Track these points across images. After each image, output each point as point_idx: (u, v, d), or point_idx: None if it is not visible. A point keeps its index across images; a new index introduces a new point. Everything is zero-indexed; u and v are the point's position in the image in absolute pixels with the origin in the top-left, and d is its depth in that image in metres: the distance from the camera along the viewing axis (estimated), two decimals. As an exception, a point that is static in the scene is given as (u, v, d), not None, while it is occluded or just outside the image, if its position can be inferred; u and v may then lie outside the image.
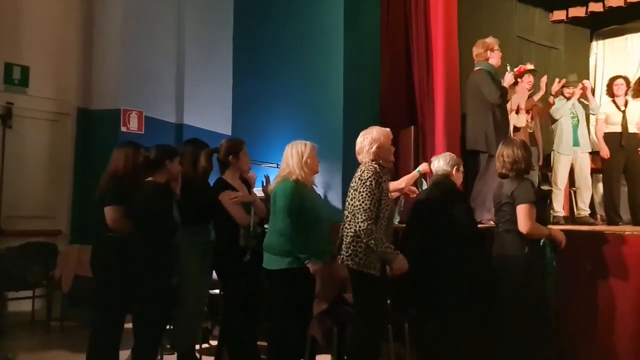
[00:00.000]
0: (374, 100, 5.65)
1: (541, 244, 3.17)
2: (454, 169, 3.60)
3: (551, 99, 5.71)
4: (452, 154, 3.75)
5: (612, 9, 7.01)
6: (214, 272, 3.57)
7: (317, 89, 5.68)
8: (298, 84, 5.82)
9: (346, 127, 5.32)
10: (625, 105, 5.61)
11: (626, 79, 5.74)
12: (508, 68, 4.73)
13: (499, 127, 4.55)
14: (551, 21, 7.59)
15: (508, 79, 4.70)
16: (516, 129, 5.46)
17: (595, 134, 5.76)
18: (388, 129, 3.16)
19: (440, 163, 3.67)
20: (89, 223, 4.19)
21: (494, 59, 4.76)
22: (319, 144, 4.97)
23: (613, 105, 5.64)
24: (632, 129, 5.54)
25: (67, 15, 5.61)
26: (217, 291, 3.77)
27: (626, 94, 5.70)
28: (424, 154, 5.17)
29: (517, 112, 5.29)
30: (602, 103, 5.90)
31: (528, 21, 7.37)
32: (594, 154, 5.92)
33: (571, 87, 5.75)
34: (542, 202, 3.50)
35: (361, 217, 2.88)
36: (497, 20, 6.71)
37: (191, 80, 6.10)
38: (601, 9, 7.09)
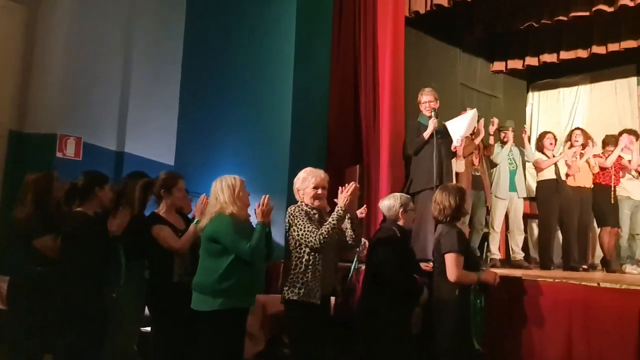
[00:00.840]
0: (321, 135, 5.65)
1: (472, 288, 3.23)
2: (402, 210, 3.58)
3: (491, 139, 5.95)
4: (401, 194, 3.76)
5: (547, 64, 7.46)
6: (146, 309, 3.43)
7: (264, 121, 5.64)
8: (246, 116, 5.76)
9: (292, 162, 5.27)
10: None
11: (554, 135, 6.11)
12: (433, 114, 4.85)
13: (441, 169, 4.70)
14: (492, 71, 7.97)
15: (430, 127, 4.80)
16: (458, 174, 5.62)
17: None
18: (319, 172, 3.18)
19: (385, 204, 3.68)
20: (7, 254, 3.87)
21: (423, 108, 4.93)
22: (263, 178, 4.90)
23: (546, 157, 5.95)
24: (570, 177, 5.89)
25: (8, 37, 5.34)
26: (149, 329, 3.59)
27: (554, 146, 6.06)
28: (369, 194, 5.19)
29: (457, 157, 5.46)
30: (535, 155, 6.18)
31: (471, 70, 7.72)
32: (529, 199, 6.17)
33: (504, 131, 5.98)
34: (470, 247, 3.50)
35: (308, 239, 2.96)
36: (442, 68, 6.99)
37: (135, 107, 5.90)
38: (537, 63, 7.52)
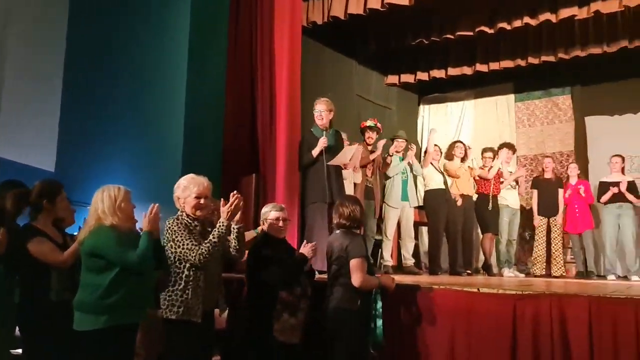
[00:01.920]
0: (216, 144, 5.54)
1: (373, 294, 3.31)
2: (264, 221, 3.56)
3: (389, 159, 6.10)
4: (274, 204, 3.74)
5: (436, 79, 7.92)
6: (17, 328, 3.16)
7: (156, 128, 5.42)
8: (136, 122, 5.48)
9: (186, 171, 4.86)
10: (439, 169, 6.33)
11: (437, 147, 6.48)
12: (323, 134, 4.85)
13: (332, 182, 4.80)
14: (386, 84, 8.29)
15: (319, 146, 4.82)
16: (356, 184, 5.77)
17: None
18: (201, 180, 3.08)
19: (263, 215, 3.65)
20: None
21: (316, 118, 4.95)
22: (155, 188, 4.69)
23: (434, 169, 6.30)
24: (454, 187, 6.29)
25: None
26: (19, 351, 3.31)
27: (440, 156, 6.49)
28: (265, 203, 5.12)
29: (354, 169, 5.57)
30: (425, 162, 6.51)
31: (366, 82, 7.96)
32: (419, 208, 6.48)
33: (398, 140, 6.23)
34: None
35: (188, 257, 2.86)
36: (339, 78, 7.13)
37: (10, 110, 5.40)
38: (427, 78, 7.95)
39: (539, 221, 6.61)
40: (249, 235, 3.94)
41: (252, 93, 5.57)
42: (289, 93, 5.25)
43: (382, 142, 5.99)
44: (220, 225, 2.99)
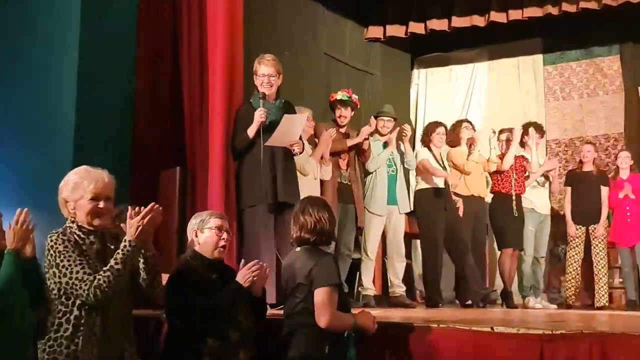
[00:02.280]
0: (124, 125, 5.47)
1: (345, 336, 3.33)
2: (197, 233, 3.52)
3: (366, 145, 6.09)
4: (211, 212, 3.71)
5: (436, 32, 7.95)
6: None
7: (35, 104, 5.26)
8: (8, 97, 5.37)
9: (78, 164, 4.90)
10: (442, 161, 6.31)
11: (446, 127, 6.44)
12: (261, 103, 4.76)
13: (276, 172, 4.79)
14: (366, 39, 8.31)
15: (256, 122, 4.70)
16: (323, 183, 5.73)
17: (424, 171, 6.24)
18: (100, 175, 2.99)
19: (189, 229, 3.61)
20: None
21: (257, 83, 4.85)
22: (35, 187, 4.60)
23: (432, 158, 6.25)
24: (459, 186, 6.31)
25: None
26: None
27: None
28: (194, 207, 5.11)
29: (321, 161, 5.58)
30: (417, 152, 6.53)
31: (338, 36, 7.99)
32: (412, 215, 6.49)
33: (383, 119, 6.22)
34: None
35: (78, 290, 2.82)
36: (299, 32, 7.14)
37: None
38: (423, 31, 7.98)
39: (574, 231, 6.71)
40: None
41: (174, 54, 5.51)
42: (227, 52, 5.19)
43: (368, 128, 6.02)
44: (125, 246, 2.91)
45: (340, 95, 6.09)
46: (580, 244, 6.72)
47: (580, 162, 6.90)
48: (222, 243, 3.51)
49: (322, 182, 5.74)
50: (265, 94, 4.77)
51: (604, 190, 6.72)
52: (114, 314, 2.99)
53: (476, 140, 6.44)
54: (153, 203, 2.97)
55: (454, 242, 6.20)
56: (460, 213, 6.29)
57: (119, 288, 2.90)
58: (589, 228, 6.70)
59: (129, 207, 2.98)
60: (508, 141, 6.59)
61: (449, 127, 6.51)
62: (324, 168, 5.65)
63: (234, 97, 5.20)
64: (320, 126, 5.80)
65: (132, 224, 2.91)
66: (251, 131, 4.72)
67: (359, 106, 6.25)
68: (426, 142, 6.39)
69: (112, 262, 2.87)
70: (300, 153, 5.00)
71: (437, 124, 6.44)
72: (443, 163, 6.33)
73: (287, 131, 4.74)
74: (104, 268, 2.87)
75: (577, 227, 6.71)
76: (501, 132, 6.75)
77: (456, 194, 6.36)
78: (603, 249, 6.66)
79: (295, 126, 4.81)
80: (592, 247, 6.68)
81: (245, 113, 4.83)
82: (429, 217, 6.15)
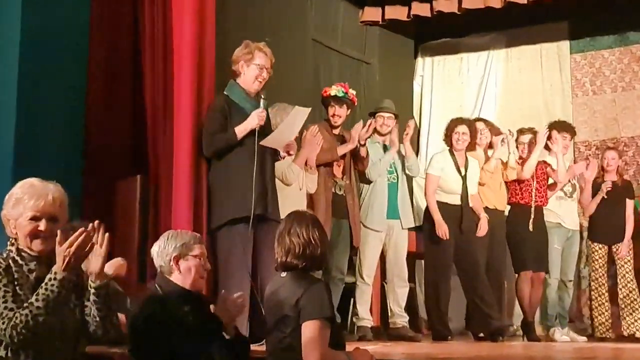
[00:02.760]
0: (73, 125, 5.49)
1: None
2: (176, 256, 3.50)
3: (362, 151, 5.99)
4: (185, 231, 3.70)
5: (444, 14, 7.93)
6: None
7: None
8: None
9: (19, 172, 4.78)
10: (466, 167, 6.24)
11: (471, 126, 6.37)
12: (262, 104, 4.87)
13: (265, 191, 4.83)
14: (361, 22, 8.30)
15: (252, 121, 4.78)
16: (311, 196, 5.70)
17: (426, 195, 6.28)
18: (45, 190, 2.97)
19: (154, 248, 3.57)
20: None
21: (246, 75, 4.92)
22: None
23: (451, 163, 6.24)
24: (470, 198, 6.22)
25: None
26: None
27: (471, 149, 6.38)
28: (157, 223, 5.12)
29: (306, 168, 5.55)
30: (433, 156, 6.54)
31: (329, 19, 7.97)
32: (417, 230, 6.50)
33: (385, 116, 6.26)
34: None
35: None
36: (282, 15, 7.09)
37: None
38: (428, 13, 7.96)
39: (597, 251, 6.82)
40: None
41: (133, 44, 5.52)
42: (195, 40, 5.16)
43: (358, 129, 5.97)
44: (50, 279, 2.87)
45: (334, 90, 6.07)
46: (603, 266, 6.79)
47: (603, 169, 6.93)
48: (204, 274, 3.55)
49: (312, 193, 5.75)
50: (253, 90, 4.87)
51: (630, 204, 6.79)
52: (54, 356, 2.95)
53: (495, 144, 6.45)
54: (82, 229, 2.91)
55: (466, 263, 6.20)
56: (483, 232, 6.25)
57: (41, 329, 2.83)
58: (612, 248, 6.80)
59: (58, 237, 2.91)
60: (531, 144, 6.58)
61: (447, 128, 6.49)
62: (309, 177, 5.61)
63: (204, 92, 5.17)
64: (310, 128, 5.74)
65: (59, 253, 2.86)
66: (241, 132, 4.76)
67: (356, 103, 6.28)
68: (447, 143, 6.39)
69: (32, 298, 2.82)
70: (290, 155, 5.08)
71: (458, 122, 6.40)
72: (465, 172, 6.28)
73: (288, 129, 4.85)
74: (25, 304, 2.82)
75: (600, 246, 6.80)
76: (521, 132, 6.75)
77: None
78: (630, 271, 6.72)
79: (298, 123, 4.93)
80: (617, 269, 6.77)
81: (224, 107, 4.87)
82: (439, 240, 6.11)
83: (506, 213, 6.62)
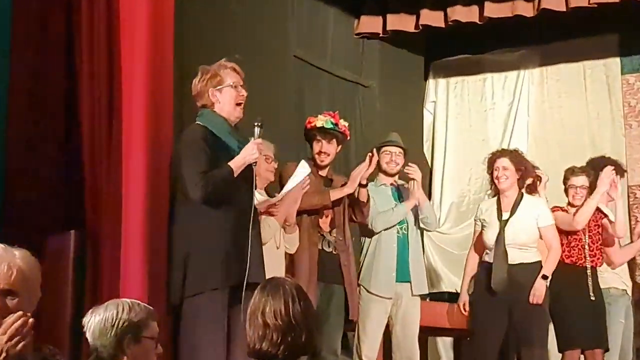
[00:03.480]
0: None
1: None
2: (122, 336, 3.48)
3: (363, 194, 6.05)
4: (135, 302, 3.66)
5: (461, 25, 8.02)
6: None
7: None
8: None
9: None
10: (513, 211, 6.22)
11: (516, 158, 6.32)
12: (257, 130, 4.89)
13: (254, 243, 4.81)
14: (357, 35, 8.40)
15: (250, 153, 4.80)
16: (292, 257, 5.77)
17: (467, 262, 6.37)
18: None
19: (93, 321, 3.54)
20: None
21: (223, 102, 4.91)
22: None
23: (494, 211, 6.31)
24: (515, 252, 6.17)
25: None
26: None
27: (522, 185, 6.35)
28: (97, 289, 5.11)
29: (285, 224, 5.59)
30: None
31: (316, 31, 8.05)
32: (432, 298, 6.65)
33: (394, 152, 6.36)
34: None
35: None
36: (254, 24, 7.13)
37: None
38: (442, 23, 8.05)
39: None
40: None
41: (67, 64, 5.51)
42: (149, 57, 5.23)
43: (363, 169, 5.97)
44: None
45: (321, 121, 6.08)
46: None
47: None
48: None
49: (289, 256, 5.76)
50: (234, 117, 4.93)
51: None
52: None
53: (538, 187, 6.56)
54: (19, 313, 2.89)
55: (518, 335, 6.14)
56: (539, 299, 6.15)
57: None
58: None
59: None
60: (582, 187, 6.62)
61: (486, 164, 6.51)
62: (287, 236, 5.64)
63: (160, 123, 5.24)
64: (288, 168, 5.75)
65: None
66: (238, 167, 4.79)
67: (348, 138, 6.33)
68: (490, 184, 6.49)
69: None
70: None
71: (497, 155, 6.43)
72: (510, 216, 6.27)
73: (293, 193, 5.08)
74: None
75: None
76: (572, 173, 6.77)
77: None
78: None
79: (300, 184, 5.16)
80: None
81: (206, 138, 4.86)
82: (481, 313, 6.17)
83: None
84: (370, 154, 6.13)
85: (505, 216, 6.22)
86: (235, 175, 4.79)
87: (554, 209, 6.61)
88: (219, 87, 4.92)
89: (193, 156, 4.83)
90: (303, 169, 5.23)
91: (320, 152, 6.04)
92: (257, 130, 4.87)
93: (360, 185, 5.98)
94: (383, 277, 6.17)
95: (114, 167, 5.22)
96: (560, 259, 6.50)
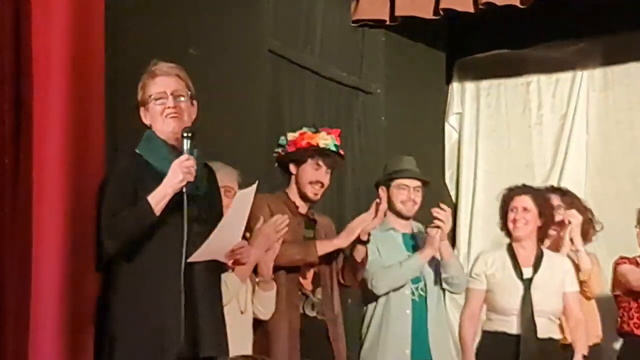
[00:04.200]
0: None
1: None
2: None
3: (361, 251, 6.03)
4: None
5: (496, 10, 7.88)
6: None
7: None
8: None
9: None
10: (535, 268, 6.27)
11: (539, 198, 6.38)
12: (186, 145, 4.75)
13: (215, 313, 4.83)
14: (354, 22, 8.37)
15: (173, 182, 4.68)
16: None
17: (461, 322, 6.42)
18: None
19: None
20: None
21: (152, 118, 4.86)
22: None
23: (508, 265, 6.39)
24: (544, 323, 6.21)
25: None
26: None
27: (543, 237, 6.42)
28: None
29: (259, 277, 5.67)
30: (478, 256, 6.62)
31: (298, 17, 7.98)
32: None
33: (411, 187, 6.42)
34: None
35: None
36: (217, 10, 7.04)
37: None
38: (471, 8, 7.95)
39: None
40: None
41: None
42: (72, 52, 5.19)
43: (365, 220, 5.94)
44: None
45: (324, 140, 6.14)
46: None
47: None
48: None
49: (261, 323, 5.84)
50: (168, 136, 4.81)
51: None
52: None
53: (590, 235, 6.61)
54: None
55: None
56: None
57: None
58: None
59: None
60: None
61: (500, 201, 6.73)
62: (261, 294, 5.60)
63: (85, 146, 5.20)
64: (260, 203, 5.73)
65: None
66: (158, 201, 4.66)
67: (344, 159, 6.47)
68: (502, 227, 6.59)
69: None
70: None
71: (516, 192, 6.50)
72: (534, 274, 6.40)
73: (228, 229, 4.87)
74: None
75: None
76: None
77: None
78: None
79: (242, 213, 4.94)
80: None
81: (130, 168, 4.81)
82: None
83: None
84: (377, 199, 6.10)
85: (526, 273, 6.31)
86: (157, 212, 4.69)
87: (620, 262, 6.77)
88: (144, 105, 4.93)
89: (107, 196, 4.82)
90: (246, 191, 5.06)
91: (315, 182, 6.00)
92: (185, 143, 4.74)
93: (358, 241, 5.98)
94: (393, 356, 6.23)
95: (28, 188, 5.14)
96: (629, 329, 6.70)
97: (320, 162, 5.99)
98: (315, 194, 6.00)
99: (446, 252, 6.31)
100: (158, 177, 4.76)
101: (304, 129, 6.18)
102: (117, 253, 4.80)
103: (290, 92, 7.80)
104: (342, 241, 5.98)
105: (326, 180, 6.06)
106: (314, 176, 6.00)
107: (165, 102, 4.87)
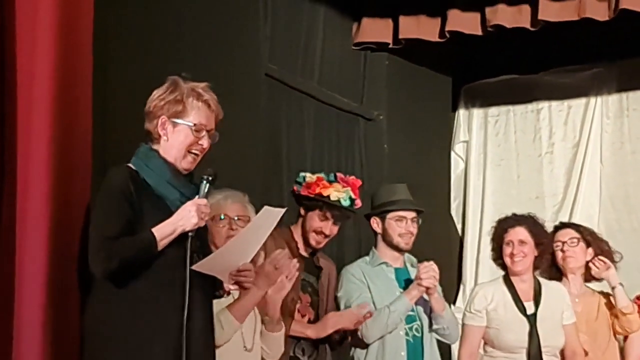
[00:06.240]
0: None
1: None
2: None
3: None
4: None
5: (505, 33, 8.03)
6: None
7: None
8: None
9: None
10: (537, 301, 6.41)
11: (536, 230, 6.52)
12: (204, 182, 4.78)
13: (209, 341, 4.83)
14: (356, 46, 8.55)
15: (189, 218, 4.65)
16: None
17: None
18: None
19: None
20: None
21: (172, 141, 4.80)
22: None
23: (508, 297, 6.43)
24: None
25: None
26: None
27: (539, 266, 6.54)
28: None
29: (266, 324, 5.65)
30: (475, 291, 6.71)
31: (297, 40, 8.11)
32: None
33: (408, 218, 6.52)
34: None
35: None
36: (213, 31, 7.17)
37: None
38: (478, 30, 8.09)
39: None
40: None
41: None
42: (59, 52, 5.27)
43: (345, 323, 6.16)
44: None
45: (336, 193, 6.23)
46: None
47: None
48: None
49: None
50: (183, 167, 4.84)
51: None
52: None
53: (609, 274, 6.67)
54: None
55: None
56: None
57: None
58: None
59: None
60: None
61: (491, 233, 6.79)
62: (268, 335, 5.68)
63: (71, 158, 5.24)
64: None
65: None
66: (164, 235, 4.66)
67: (356, 213, 6.58)
68: (497, 261, 6.61)
69: None
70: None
71: (509, 222, 6.60)
72: (536, 309, 6.46)
73: (243, 245, 4.91)
74: None
75: None
76: None
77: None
78: None
79: (262, 235, 4.95)
80: None
81: (128, 187, 4.77)
82: None
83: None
84: (367, 314, 6.18)
85: (529, 308, 6.40)
86: (160, 247, 4.69)
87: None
88: (174, 120, 4.86)
89: (102, 213, 4.77)
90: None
91: (320, 232, 6.15)
92: (203, 186, 4.77)
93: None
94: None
95: (11, 207, 5.11)
96: None
97: (329, 215, 6.14)
98: (318, 243, 6.14)
99: (437, 306, 6.36)
100: (155, 199, 4.80)
101: (322, 175, 6.31)
102: (109, 276, 4.70)
103: (288, 119, 7.88)
104: (313, 332, 6.11)
105: (332, 232, 6.19)
106: (319, 226, 6.14)
107: (200, 136, 4.84)
